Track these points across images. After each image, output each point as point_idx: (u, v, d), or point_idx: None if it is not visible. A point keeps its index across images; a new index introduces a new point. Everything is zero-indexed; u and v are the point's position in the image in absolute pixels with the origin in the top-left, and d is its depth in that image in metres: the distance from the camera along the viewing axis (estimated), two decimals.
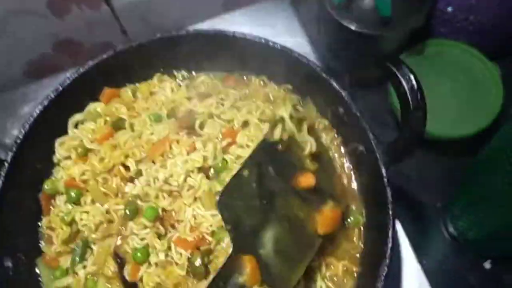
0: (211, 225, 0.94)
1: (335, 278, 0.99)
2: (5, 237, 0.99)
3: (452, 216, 1.28)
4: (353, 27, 1.16)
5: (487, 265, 1.30)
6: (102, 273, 0.96)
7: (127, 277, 0.96)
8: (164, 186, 0.98)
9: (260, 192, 0.86)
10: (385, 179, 0.96)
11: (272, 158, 0.90)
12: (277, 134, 0.99)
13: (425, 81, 1.32)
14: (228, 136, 1.06)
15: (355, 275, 1.00)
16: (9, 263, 0.98)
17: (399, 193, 1.38)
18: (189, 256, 0.93)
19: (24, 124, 1.05)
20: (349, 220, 1.05)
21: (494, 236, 1.15)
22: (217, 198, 0.90)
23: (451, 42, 1.36)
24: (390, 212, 0.93)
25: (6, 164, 1.01)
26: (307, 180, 0.94)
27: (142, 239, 0.96)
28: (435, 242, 1.36)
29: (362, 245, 1.03)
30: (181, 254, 0.94)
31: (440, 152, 1.39)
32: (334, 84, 1.04)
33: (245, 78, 1.20)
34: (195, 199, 0.97)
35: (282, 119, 1.02)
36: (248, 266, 0.83)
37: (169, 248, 0.95)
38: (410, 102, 0.89)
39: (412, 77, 0.90)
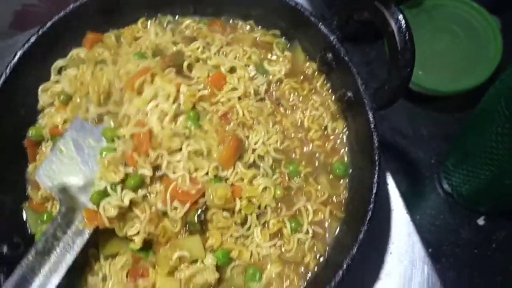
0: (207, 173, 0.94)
1: (321, 224, 1.00)
2: None
3: (446, 171, 1.28)
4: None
5: (481, 221, 1.31)
6: None
7: None
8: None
9: (82, 159, 0.96)
10: (372, 124, 0.94)
11: (87, 132, 0.98)
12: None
13: (423, 35, 1.30)
14: (217, 79, 1.04)
15: (341, 220, 1.00)
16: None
17: (393, 149, 1.39)
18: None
19: (5, 69, 1.03)
20: (334, 169, 1.04)
21: (487, 190, 1.16)
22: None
23: None
24: (376, 158, 0.92)
25: None
26: None
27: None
28: (429, 198, 1.36)
29: (347, 193, 1.02)
30: (176, 208, 0.93)
31: (436, 108, 1.38)
32: (323, 28, 1.02)
33: (231, 22, 1.16)
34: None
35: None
36: (87, 215, 0.91)
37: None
38: (398, 43, 0.86)
39: (400, 17, 0.87)
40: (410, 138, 1.40)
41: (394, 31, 0.87)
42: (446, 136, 1.36)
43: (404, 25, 0.86)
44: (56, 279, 0.88)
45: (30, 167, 1.06)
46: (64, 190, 0.95)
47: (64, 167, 0.96)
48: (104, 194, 0.91)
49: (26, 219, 1.04)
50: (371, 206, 0.89)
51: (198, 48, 1.08)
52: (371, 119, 0.95)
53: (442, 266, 1.27)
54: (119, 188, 0.91)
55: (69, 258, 0.90)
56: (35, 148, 1.07)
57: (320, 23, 1.01)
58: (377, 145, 0.93)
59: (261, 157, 1.01)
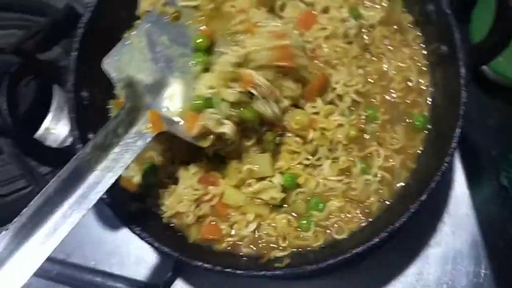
0: None
1: (391, 170, 1.01)
2: (86, 74, 1.04)
3: (508, 163, 1.25)
4: None
5: None
6: None
7: None
8: None
9: (153, 56, 0.91)
10: (462, 80, 0.93)
11: (163, 28, 0.94)
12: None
13: None
14: (307, 19, 1.06)
15: (411, 171, 1.01)
16: (88, 94, 1.04)
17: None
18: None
19: None
20: (413, 121, 1.04)
21: None
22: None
23: None
24: (461, 112, 0.92)
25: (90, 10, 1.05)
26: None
27: None
28: (485, 189, 1.34)
29: (422, 147, 1.02)
30: None
31: (507, 100, 1.34)
32: None
33: None
34: None
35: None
36: (150, 117, 0.88)
37: None
38: None
39: None
40: (475, 125, 1.37)
41: None
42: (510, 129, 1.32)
43: None
44: (112, 178, 0.83)
45: None
46: (130, 85, 0.91)
47: (133, 61, 0.92)
48: (207, 104, 0.89)
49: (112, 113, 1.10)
50: (448, 158, 0.89)
51: None
52: (462, 74, 0.94)
53: (490, 251, 1.26)
54: (224, 105, 0.89)
55: (127, 158, 0.85)
56: None
57: None
58: (464, 101, 0.92)
59: (340, 97, 1.03)
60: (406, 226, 0.88)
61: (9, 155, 1.27)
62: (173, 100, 0.92)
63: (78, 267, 1.17)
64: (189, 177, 1.01)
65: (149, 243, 0.92)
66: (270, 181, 0.97)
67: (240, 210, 0.99)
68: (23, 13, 1.45)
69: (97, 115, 1.07)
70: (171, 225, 1.02)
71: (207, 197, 0.99)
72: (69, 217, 0.78)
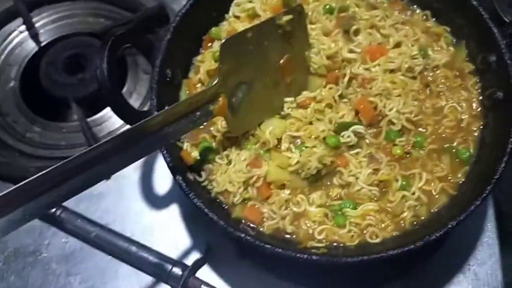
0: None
1: (430, 193, 1.07)
2: (172, 55, 1.19)
3: None
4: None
5: None
6: None
7: None
8: None
9: (258, 52, 1.05)
10: None
11: (275, 34, 1.07)
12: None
13: None
14: (377, 51, 1.17)
15: (450, 197, 1.06)
16: (169, 73, 1.18)
17: None
18: None
19: None
20: (459, 155, 1.11)
21: None
22: None
23: None
24: (508, 150, 0.98)
25: (186, 7, 1.20)
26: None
27: None
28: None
29: (464, 178, 1.09)
30: None
31: None
32: (496, 32, 1.11)
33: (410, 7, 1.28)
34: None
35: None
36: (221, 101, 1.01)
37: None
38: None
39: None
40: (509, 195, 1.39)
41: None
42: None
43: None
44: (169, 140, 1.00)
45: (200, 56, 1.26)
46: (228, 69, 1.03)
47: (242, 50, 1.05)
48: None
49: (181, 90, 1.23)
50: (491, 186, 0.96)
51: (377, 16, 1.21)
52: None
53: None
54: None
55: (189, 128, 1.01)
56: (208, 44, 1.28)
57: (495, 27, 1.11)
58: None
59: (392, 123, 1.11)
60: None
61: (80, 120, 1.40)
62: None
63: (116, 234, 1.23)
64: (240, 162, 1.09)
65: (198, 207, 1.00)
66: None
67: (281, 188, 1.08)
68: (113, 5, 1.63)
69: (172, 92, 1.20)
70: (217, 200, 1.10)
71: (253, 179, 1.07)
72: (126, 161, 0.92)
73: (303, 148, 1.07)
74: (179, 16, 1.20)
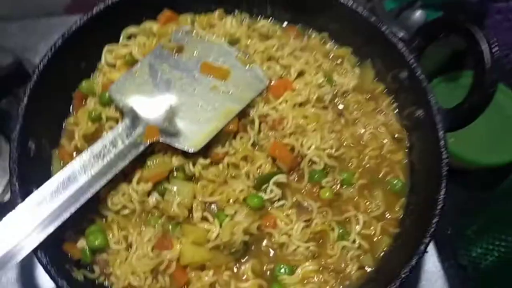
0: None
1: (371, 238, 0.94)
2: (34, 122, 0.95)
3: (466, 241, 1.22)
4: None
5: None
6: None
7: None
8: None
9: (154, 82, 1.00)
10: (442, 142, 0.91)
11: (164, 59, 1.03)
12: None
13: None
14: (280, 86, 1.04)
15: (393, 236, 0.94)
16: (32, 145, 0.95)
17: None
18: None
19: (79, 20, 1.02)
20: (391, 186, 1.00)
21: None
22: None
23: None
24: (444, 175, 0.88)
25: (46, 59, 0.99)
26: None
27: None
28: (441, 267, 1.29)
29: (402, 212, 0.97)
30: None
31: (456, 183, 1.30)
32: (401, 47, 1.02)
33: (305, 32, 1.17)
34: None
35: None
36: (148, 131, 0.93)
37: None
38: (487, 62, 0.87)
39: (492, 39, 0.88)
40: None
41: (484, 50, 0.87)
42: (463, 211, 1.29)
43: (495, 45, 0.87)
44: (103, 181, 0.88)
45: (72, 118, 1.03)
46: (131, 107, 0.97)
47: (135, 86, 0.99)
48: None
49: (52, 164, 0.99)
50: (436, 219, 0.84)
51: (273, 46, 1.08)
52: (441, 137, 0.92)
53: None
54: None
55: (120, 165, 0.89)
56: (81, 102, 1.05)
57: (400, 42, 1.02)
58: (446, 162, 0.89)
59: (313, 163, 0.97)
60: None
61: None
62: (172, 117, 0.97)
63: None
64: (143, 244, 0.88)
65: None
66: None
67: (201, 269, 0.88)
68: None
69: (41, 169, 0.95)
70: None
71: (163, 265, 0.86)
72: (59, 217, 0.82)
73: (223, 217, 0.89)
74: (37, 71, 0.98)
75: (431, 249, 1.14)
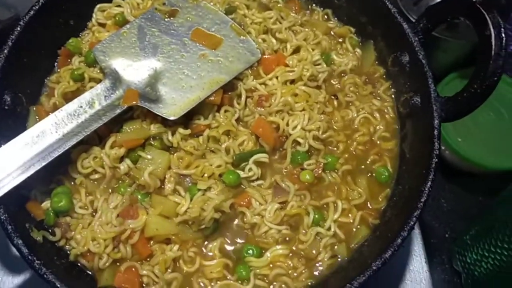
0: None
1: (348, 226, 0.88)
2: (13, 75, 0.92)
3: (462, 247, 1.15)
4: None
5: None
6: None
7: None
8: None
9: (142, 45, 0.96)
10: (436, 131, 0.85)
11: (155, 23, 0.99)
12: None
13: None
14: (272, 61, 0.98)
15: (372, 228, 0.88)
16: (8, 98, 0.91)
17: None
18: None
19: None
20: (376, 175, 0.93)
21: (505, 273, 1.01)
22: None
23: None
24: (433, 166, 0.81)
25: (32, 11, 0.96)
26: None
27: None
28: (435, 271, 1.23)
29: (386, 203, 0.91)
30: None
31: (462, 186, 1.29)
32: (407, 28, 0.95)
33: (308, 7, 1.11)
34: None
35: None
36: (128, 94, 0.89)
37: None
38: (493, 48, 0.79)
39: (500, 22, 0.80)
40: (428, 208, 1.29)
41: (492, 35, 0.80)
42: (465, 216, 1.25)
43: (503, 31, 0.79)
44: (73, 141, 0.84)
45: (54, 76, 1.00)
46: (114, 68, 0.93)
47: (121, 48, 0.95)
48: None
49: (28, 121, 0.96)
50: (418, 212, 0.77)
51: (271, 18, 1.02)
52: (436, 126, 0.85)
53: None
54: None
55: (93, 127, 0.86)
56: (66, 59, 1.02)
57: (405, 23, 0.95)
58: (437, 153, 0.82)
59: (298, 144, 0.91)
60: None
61: None
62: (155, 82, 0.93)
63: None
64: (108, 211, 0.84)
65: (48, 282, 0.73)
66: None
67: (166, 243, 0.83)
68: None
69: (15, 124, 0.92)
70: (78, 265, 0.82)
71: (125, 234, 0.82)
72: (27, 171, 0.79)
73: (195, 192, 0.84)
74: (20, 24, 0.95)
75: (420, 248, 1.07)
